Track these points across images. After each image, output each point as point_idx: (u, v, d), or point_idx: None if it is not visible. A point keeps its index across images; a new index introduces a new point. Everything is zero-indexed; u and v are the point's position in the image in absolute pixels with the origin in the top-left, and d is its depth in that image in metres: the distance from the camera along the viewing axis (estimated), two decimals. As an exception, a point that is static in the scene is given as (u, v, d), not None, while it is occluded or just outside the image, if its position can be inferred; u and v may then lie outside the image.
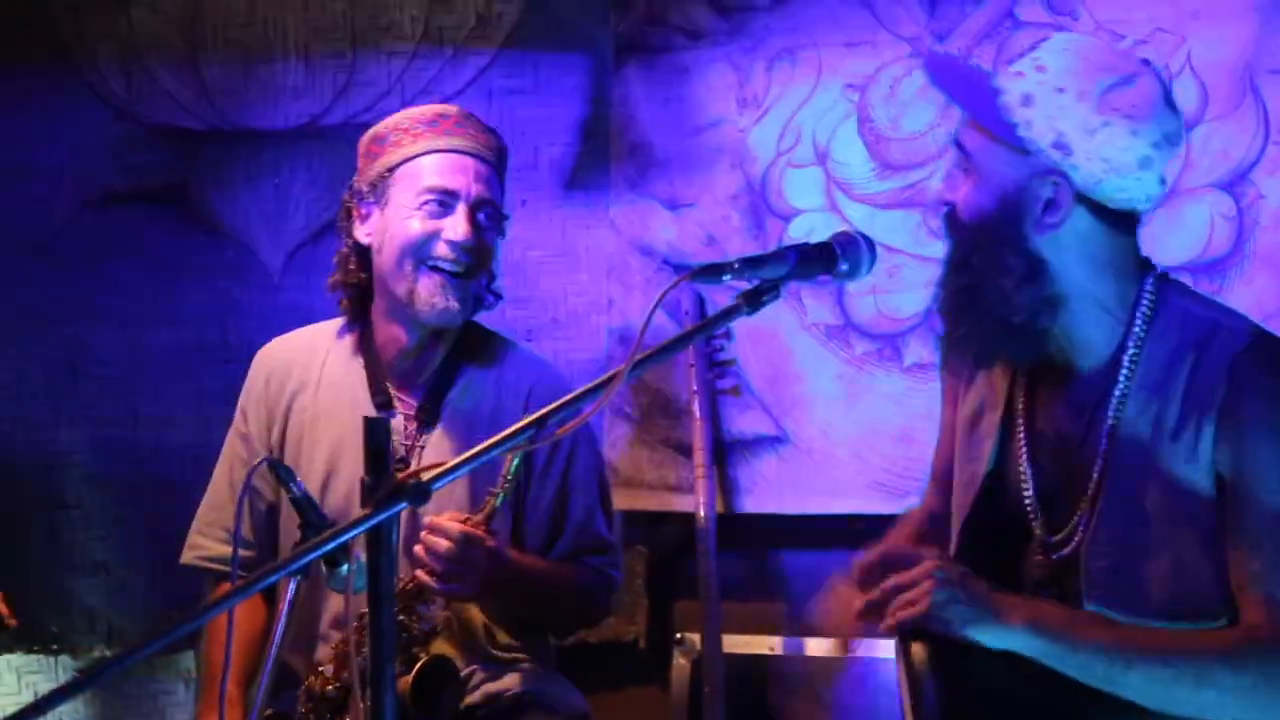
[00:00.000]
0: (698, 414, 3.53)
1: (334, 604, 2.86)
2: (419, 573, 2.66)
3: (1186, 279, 3.29)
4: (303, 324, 3.11)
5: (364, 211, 2.88)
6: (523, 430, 1.95)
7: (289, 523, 2.89)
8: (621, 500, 3.65)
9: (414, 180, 2.83)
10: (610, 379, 1.94)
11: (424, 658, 2.71)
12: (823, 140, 3.56)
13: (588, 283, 3.69)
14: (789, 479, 3.58)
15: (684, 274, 2.01)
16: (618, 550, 3.02)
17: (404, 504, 1.87)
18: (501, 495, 2.68)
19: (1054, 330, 2.22)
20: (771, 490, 3.59)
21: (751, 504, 3.62)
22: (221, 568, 2.98)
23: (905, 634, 2.25)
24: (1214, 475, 2.15)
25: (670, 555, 3.71)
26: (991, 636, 2.15)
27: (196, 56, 3.82)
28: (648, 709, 3.66)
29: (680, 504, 3.61)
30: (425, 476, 1.88)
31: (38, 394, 3.88)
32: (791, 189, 3.57)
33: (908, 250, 3.50)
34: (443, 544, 2.63)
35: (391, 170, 2.85)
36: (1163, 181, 2.22)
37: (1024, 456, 2.30)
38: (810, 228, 3.53)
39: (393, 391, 2.89)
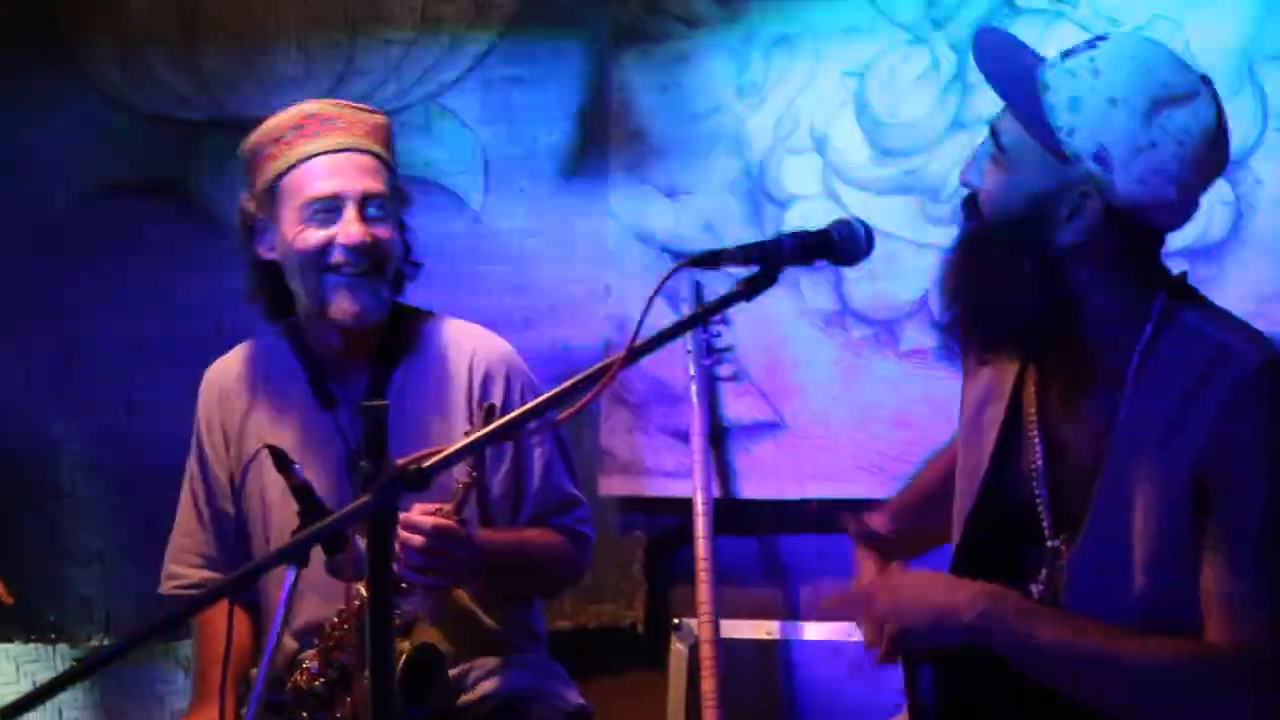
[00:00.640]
0: (695, 400, 3.54)
1: (309, 608, 2.84)
2: (396, 568, 2.64)
3: (1184, 264, 3.33)
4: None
5: (260, 228, 2.85)
6: (522, 418, 1.96)
7: (259, 543, 2.90)
8: (619, 486, 3.67)
9: (295, 193, 2.78)
10: (609, 365, 1.94)
11: (408, 648, 2.71)
12: (820, 127, 3.56)
13: (586, 270, 3.69)
14: (786, 464, 3.59)
15: (683, 261, 2.00)
16: (585, 504, 2.98)
17: (404, 490, 1.87)
18: (470, 483, 2.67)
19: (1065, 334, 2.19)
20: (769, 475, 3.61)
21: (749, 489, 3.63)
22: (207, 578, 2.99)
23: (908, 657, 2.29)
24: (1199, 497, 2.12)
25: (668, 540, 3.72)
26: (952, 637, 2.16)
27: (194, 47, 3.81)
28: (646, 694, 3.67)
29: (678, 489, 3.61)
30: (425, 464, 1.88)
31: (34, 383, 3.88)
32: (789, 176, 3.58)
33: (905, 236, 3.51)
34: (417, 539, 2.61)
35: (273, 185, 2.81)
36: (1198, 206, 2.17)
37: (1038, 453, 2.27)
38: (808, 214, 3.54)
39: (335, 390, 2.88)
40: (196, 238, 3.83)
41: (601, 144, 3.67)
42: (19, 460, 3.88)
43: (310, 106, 2.84)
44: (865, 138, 3.54)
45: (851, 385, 3.57)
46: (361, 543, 1.95)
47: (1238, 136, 3.29)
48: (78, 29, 3.84)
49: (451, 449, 1.90)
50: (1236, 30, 3.34)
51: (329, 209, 2.77)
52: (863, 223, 2.10)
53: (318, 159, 2.78)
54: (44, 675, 3.95)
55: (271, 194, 2.81)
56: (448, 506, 2.65)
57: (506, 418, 1.96)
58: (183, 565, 3.00)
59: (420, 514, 2.62)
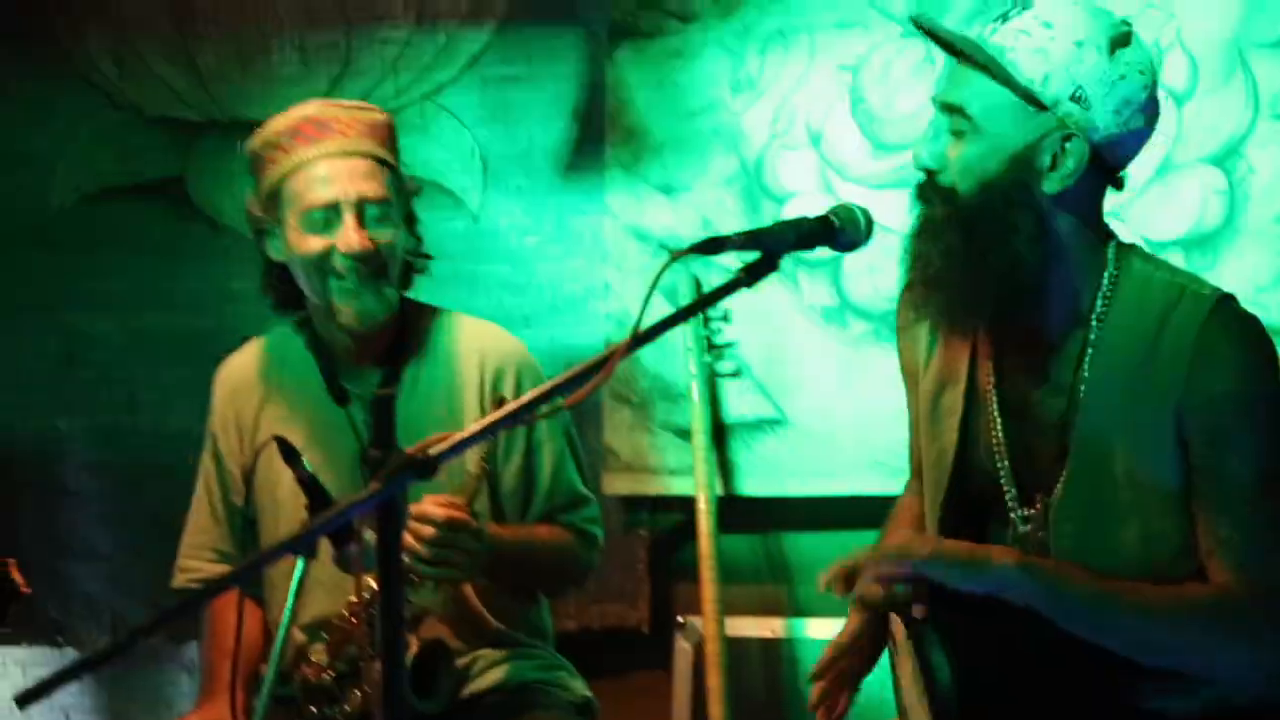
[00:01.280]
0: (697, 397, 3.55)
1: (315, 603, 2.85)
2: (405, 559, 2.65)
3: (1178, 255, 3.35)
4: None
5: (267, 231, 2.87)
6: (528, 405, 1.96)
7: (269, 537, 2.91)
8: (622, 485, 3.67)
9: (294, 201, 2.79)
10: (612, 353, 1.95)
11: (417, 643, 2.72)
12: (816, 122, 3.58)
13: (584, 268, 3.70)
14: (789, 460, 3.60)
15: (685, 248, 2.00)
16: (594, 503, 2.99)
17: (412, 478, 1.88)
18: (480, 475, 2.68)
19: (1047, 291, 2.22)
20: (772, 472, 3.61)
21: (752, 486, 3.63)
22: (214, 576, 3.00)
23: (899, 614, 2.30)
24: (1180, 443, 2.16)
25: (672, 539, 3.73)
26: (985, 582, 2.15)
27: (190, 45, 3.83)
28: (651, 694, 3.67)
29: (681, 487, 3.62)
30: (433, 451, 1.89)
31: (36, 382, 3.90)
32: (786, 171, 3.59)
33: (902, 230, 3.50)
34: (428, 531, 2.62)
35: (275, 192, 2.82)
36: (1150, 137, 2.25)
37: (998, 428, 2.30)
38: (805, 209, 3.51)
39: (348, 387, 2.89)
40: (195, 235, 3.85)
41: (598, 141, 3.68)
42: (22, 458, 3.90)
43: (308, 109, 2.85)
44: (861, 132, 3.55)
45: (852, 380, 3.57)
46: (370, 535, 1.96)
47: (1230, 125, 3.38)
48: (74, 28, 3.85)
49: (459, 436, 1.90)
50: (1227, 20, 3.36)
51: (328, 215, 2.78)
52: (862, 208, 2.12)
53: (315, 165, 2.78)
54: (49, 678, 3.95)
55: (274, 199, 2.82)
56: (459, 499, 2.66)
57: (512, 404, 1.96)
58: (196, 559, 3.01)
59: (432, 506, 2.63)
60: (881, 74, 3.53)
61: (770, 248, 2.03)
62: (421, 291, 2.99)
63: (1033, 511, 2.27)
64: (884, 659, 2.48)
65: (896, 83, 3.52)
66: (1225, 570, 2.15)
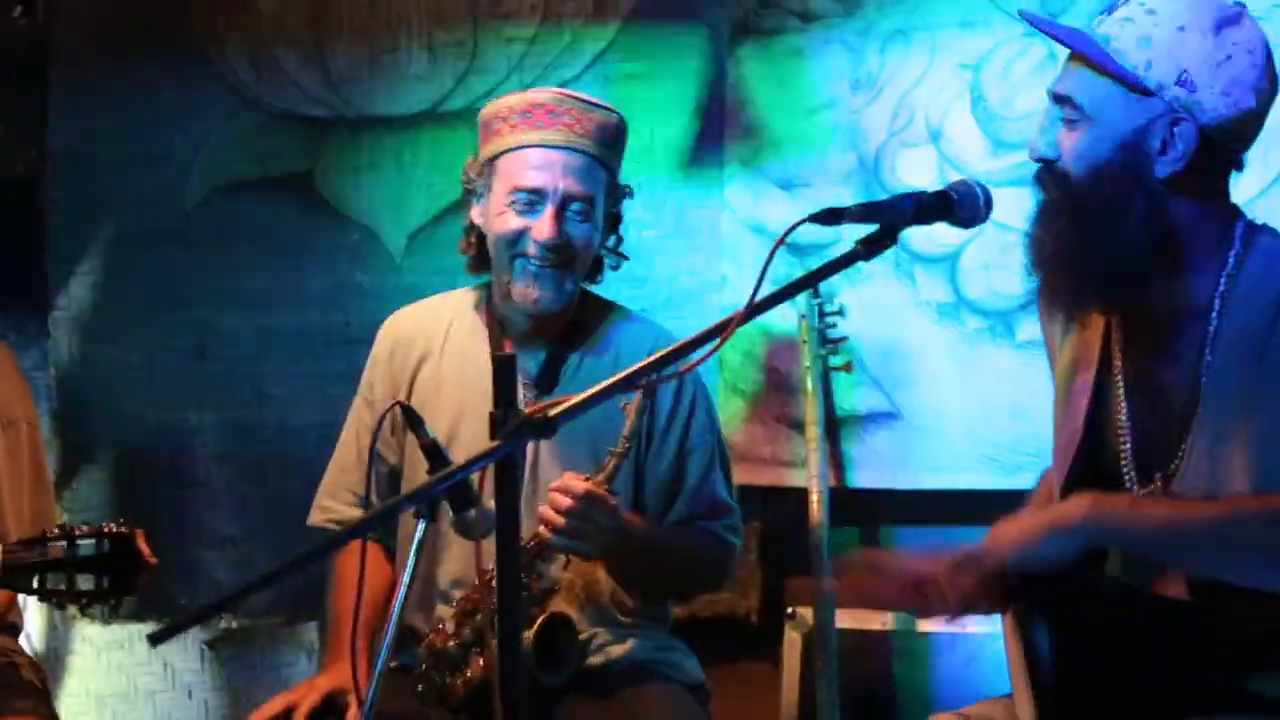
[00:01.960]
0: (810, 390, 3.57)
1: (452, 564, 2.92)
2: (542, 529, 2.72)
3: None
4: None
5: (476, 192, 2.97)
6: (646, 370, 2.01)
7: (411, 487, 2.96)
8: (736, 476, 3.68)
9: (506, 177, 2.89)
10: (730, 320, 1.99)
11: (543, 615, 2.77)
12: (935, 119, 3.60)
13: (702, 262, 3.75)
14: (901, 454, 3.61)
15: (805, 217, 2.04)
16: (737, 513, 3.04)
17: (530, 437, 1.93)
18: (621, 455, 2.74)
19: (1161, 274, 2.24)
20: (884, 465, 3.63)
21: (864, 479, 3.65)
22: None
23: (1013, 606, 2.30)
24: None
25: (783, 530, 3.75)
26: (1062, 541, 2.17)
27: (322, 46, 3.93)
28: (760, 684, 3.69)
29: (793, 479, 3.65)
30: (552, 413, 1.94)
31: (168, 376, 4.00)
32: (905, 168, 3.61)
33: (1020, 227, 3.50)
34: (566, 501, 2.69)
35: (491, 161, 2.92)
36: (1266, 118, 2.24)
37: (1123, 411, 2.31)
38: (923, 207, 3.56)
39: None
40: (323, 232, 3.94)
41: (718, 137, 3.73)
42: (154, 449, 4.00)
43: (542, 95, 2.95)
44: (980, 130, 3.57)
45: (967, 376, 3.58)
46: (491, 503, 2.01)
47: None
48: (210, 30, 3.97)
49: (577, 399, 1.95)
50: None
51: (531, 200, 2.87)
52: (981, 185, 2.14)
53: (533, 150, 2.88)
54: (175, 658, 4.06)
55: (489, 167, 2.93)
56: (599, 476, 2.72)
57: (631, 369, 2.01)
58: (335, 500, 3.08)
59: (572, 479, 2.70)
60: (1002, 72, 3.54)
61: (888, 220, 2.05)
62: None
63: (1153, 488, 2.27)
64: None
65: (1017, 81, 3.53)
66: None
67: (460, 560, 2.90)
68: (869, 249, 2.06)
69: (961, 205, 2.12)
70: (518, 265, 2.89)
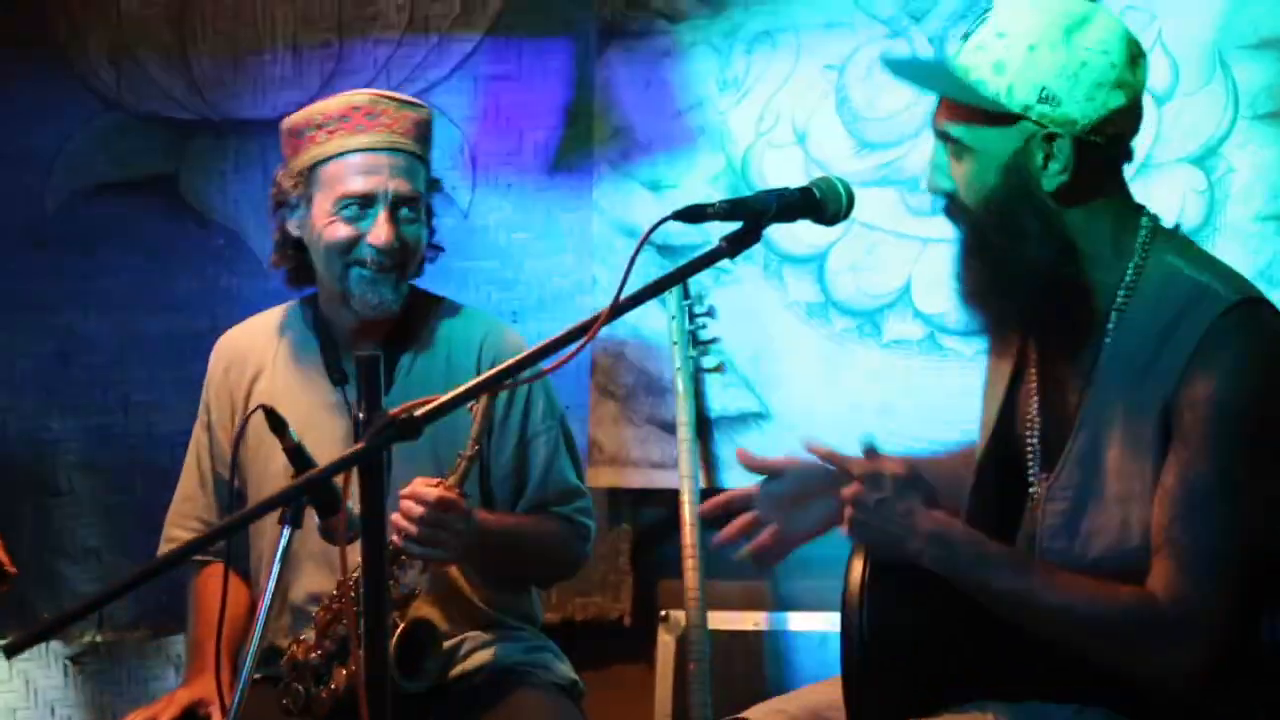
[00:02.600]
0: (681, 391, 3.58)
1: (308, 579, 2.90)
2: (395, 539, 2.68)
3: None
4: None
5: (291, 204, 2.92)
6: (508, 371, 1.99)
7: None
8: (606, 478, 3.70)
9: (331, 186, 2.86)
10: (596, 319, 1.99)
11: (404, 622, 2.75)
12: (801, 121, 3.63)
13: (573, 264, 3.74)
14: (772, 454, 3.61)
15: (668, 215, 2.03)
16: (587, 496, 3.04)
17: (395, 438, 1.91)
18: (470, 458, 2.72)
19: (1069, 280, 2.25)
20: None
21: (735, 479, 3.65)
22: (201, 558, 3.04)
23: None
24: (1166, 439, 2.18)
25: (655, 533, 3.76)
26: (906, 558, 2.23)
27: (186, 48, 3.87)
28: (634, 686, 3.70)
29: (665, 481, 3.66)
30: (418, 413, 1.92)
31: (29, 381, 3.91)
32: (771, 169, 3.63)
33: (885, 227, 3.57)
34: (418, 510, 2.66)
35: (310, 169, 2.88)
36: (1143, 110, 2.27)
37: (1034, 404, 2.35)
38: (790, 207, 3.59)
39: (347, 367, 2.93)
40: (188, 235, 3.88)
41: (587, 140, 3.73)
42: (14, 458, 3.91)
43: (357, 98, 2.92)
44: (846, 131, 3.60)
45: (835, 376, 3.62)
46: (355, 507, 1.98)
47: (1210, 125, 3.42)
48: (70, 29, 3.89)
49: (443, 398, 1.94)
50: (1207, 20, 3.41)
51: (361, 206, 2.84)
52: (844, 181, 2.15)
53: (357, 155, 2.85)
54: (38, 674, 3.96)
55: (307, 177, 2.88)
56: (449, 480, 2.70)
57: (497, 368, 2.00)
58: (182, 529, 3.04)
59: (423, 486, 2.67)
60: (866, 73, 3.58)
61: (751, 217, 2.06)
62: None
63: (1046, 479, 2.31)
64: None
65: (880, 82, 3.56)
66: (1167, 569, 2.15)
67: (316, 576, 2.88)
68: (733, 246, 2.07)
69: (825, 202, 2.13)
70: (354, 273, 2.86)
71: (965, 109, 2.24)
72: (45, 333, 3.90)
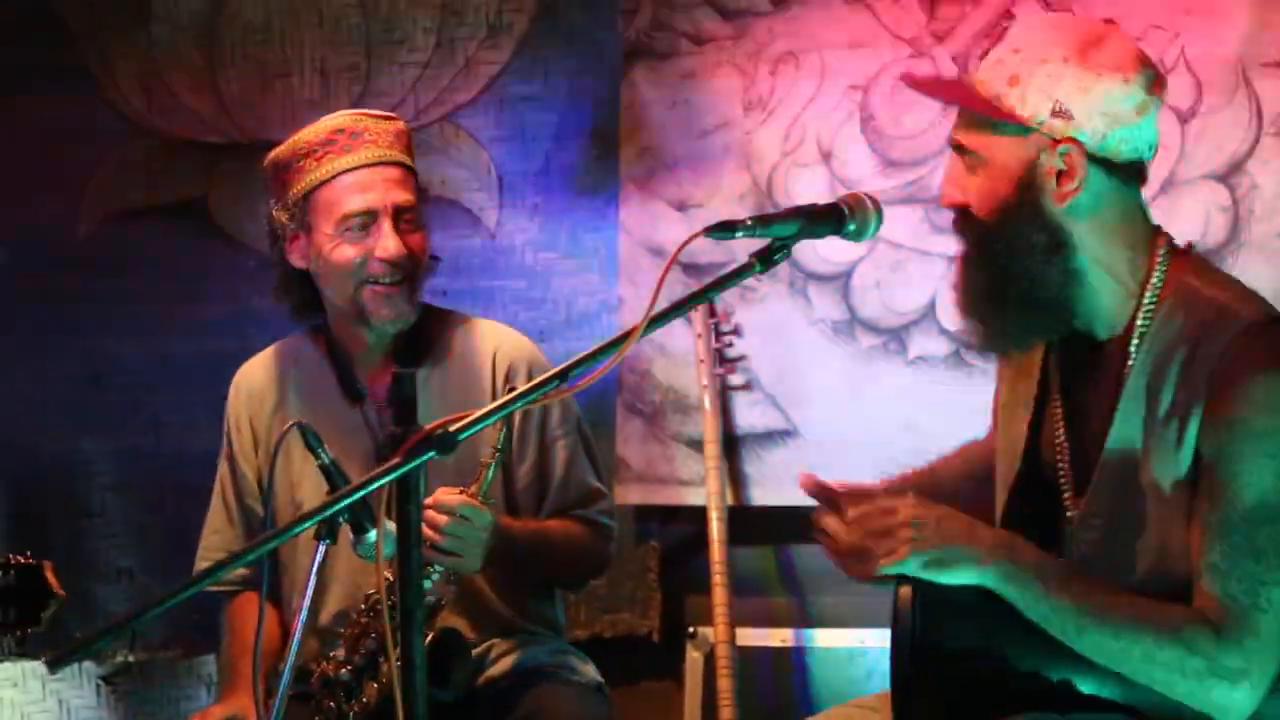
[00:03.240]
0: (708, 408, 3.60)
1: (335, 601, 2.92)
2: (421, 548, 2.70)
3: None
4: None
5: (290, 236, 2.93)
6: (546, 382, 2.02)
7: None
8: (634, 495, 3.72)
9: (330, 208, 2.87)
10: (627, 334, 2.01)
11: (431, 632, 2.77)
12: (826, 140, 3.65)
13: (599, 283, 3.78)
14: (797, 471, 3.64)
15: (699, 230, 2.05)
16: (608, 497, 3.06)
17: (431, 454, 1.93)
18: (494, 466, 2.74)
19: (1077, 303, 2.26)
20: (781, 483, 3.66)
21: (762, 496, 3.68)
22: (233, 587, 3.06)
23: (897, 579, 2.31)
24: (1199, 463, 2.17)
25: (683, 550, 3.77)
26: (966, 577, 2.20)
27: (215, 72, 3.92)
28: (662, 702, 3.71)
29: (692, 498, 3.68)
30: (453, 427, 1.94)
31: (61, 404, 3.95)
32: (797, 188, 3.65)
33: (910, 245, 3.59)
34: (443, 518, 2.69)
35: (305, 198, 2.90)
36: (1155, 128, 2.27)
37: (1061, 428, 2.34)
38: (815, 227, 3.61)
39: (364, 385, 2.96)
40: (218, 257, 3.93)
41: (613, 160, 3.77)
42: (47, 479, 3.95)
43: (337, 120, 2.94)
44: (870, 150, 3.63)
45: (861, 393, 3.64)
46: (391, 525, 2.00)
47: (1233, 142, 3.44)
48: (100, 55, 3.94)
49: (477, 414, 1.96)
50: (1230, 38, 3.43)
51: (363, 223, 2.86)
52: (872, 198, 2.17)
53: (350, 174, 2.87)
54: (70, 694, 3.98)
55: (303, 206, 2.90)
56: (473, 489, 2.72)
57: (530, 383, 2.02)
58: (211, 561, 3.05)
59: (446, 494, 2.69)
60: (890, 93, 3.61)
61: (780, 233, 2.08)
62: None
63: (1075, 514, 2.31)
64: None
65: (905, 102, 3.59)
66: (1210, 595, 2.15)
67: (344, 596, 2.90)
68: (763, 261, 2.09)
69: (853, 217, 2.15)
70: (366, 291, 2.88)
71: (980, 121, 2.26)
72: (78, 355, 3.95)
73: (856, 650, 3.62)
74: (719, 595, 3.49)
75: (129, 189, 3.95)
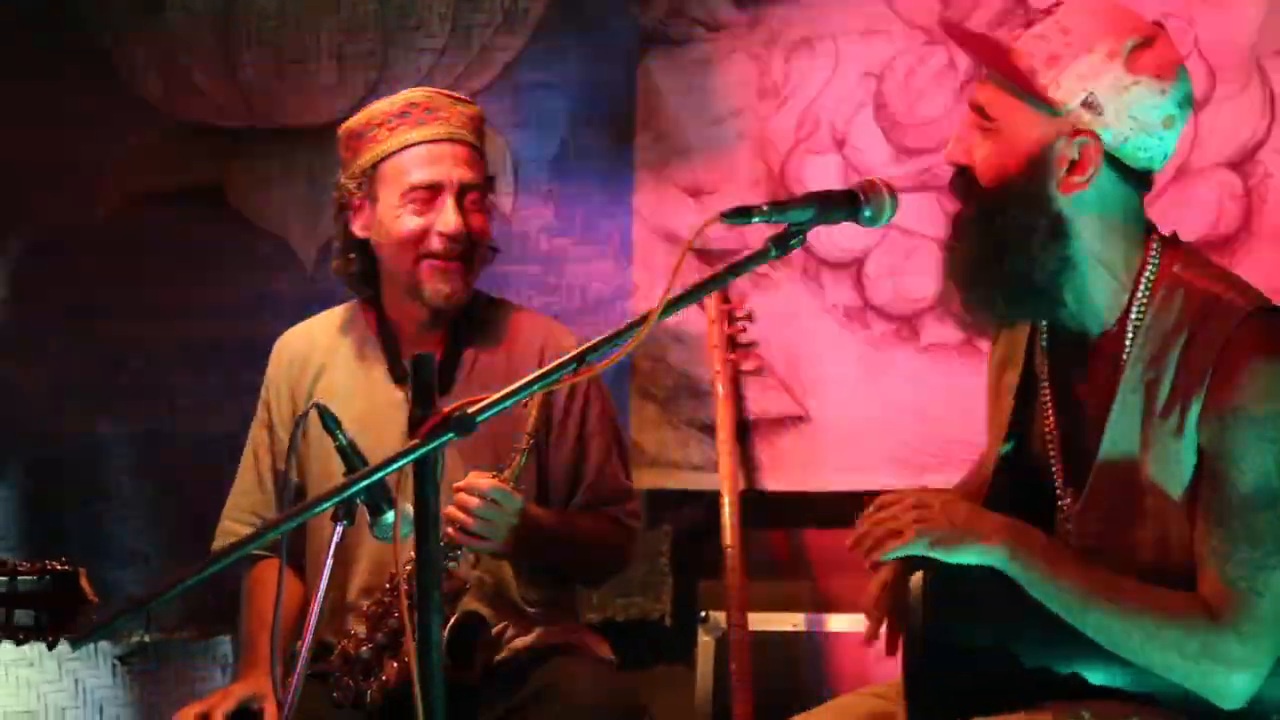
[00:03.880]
0: (721, 394, 3.62)
1: (360, 575, 2.94)
2: (449, 530, 2.73)
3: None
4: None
5: (356, 205, 2.97)
6: (562, 366, 2.03)
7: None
8: (647, 479, 3.74)
9: (397, 178, 2.91)
10: (645, 316, 2.02)
11: (454, 615, 2.79)
12: (840, 127, 3.66)
13: (613, 270, 3.79)
14: (810, 456, 3.67)
15: (715, 215, 2.06)
16: (636, 497, 3.10)
17: (450, 435, 1.95)
18: (526, 452, 2.77)
19: (1067, 292, 2.26)
20: (794, 468, 3.68)
21: (774, 481, 3.70)
22: (257, 551, 3.06)
23: (907, 567, 2.33)
24: (1199, 452, 2.18)
25: (695, 534, 3.79)
26: (973, 556, 2.20)
27: (230, 57, 3.94)
28: (673, 686, 3.72)
29: (705, 483, 3.70)
30: (472, 409, 1.96)
31: (80, 388, 3.98)
32: (811, 175, 3.67)
33: (924, 233, 3.60)
34: (473, 501, 2.71)
35: (374, 167, 2.94)
36: (1175, 144, 2.25)
37: (1051, 418, 2.34)
38: (829, 214, 3.63)
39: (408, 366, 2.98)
40: (236, 242, 3.95)
41: (627, 146, 3.78)
42: (65, 461, 3.97)
43: (414, 94, 2.99)
44: (884, 137, 3.64)
45: (873, 379, 3.65)
46: (408, 507, 2.02)
47: (1246, 130, 3.44)
48: (117, 40, 3.96)
49: (496, 395, 1.98)
50: (1244, 26, 3.43)
51: (428, 197, 2.90)
52: (888, 184, 2.17)
53: (420, 147, 2.92)
54: (86, 674, 4.01)
55: (371, 175, 2.93)
56: (504, 474, 2.75)
57: (548, 366, 2.03)
58: (237, 523, 3.09)
59: (476, 477, 2.72)
60: (904, 80, 3.62)
61: (797, 218, 2.09)
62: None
63: (1069, 504, 2.31)
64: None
65: (918, 89, 3.60)
66: (1210, 581, 2.16)
67: (368, 571, 2.93)
68: (779, 246, 2.09)
69: (868, 202, 2.15)
70: (424, 265, 2.91)
71: (1008, 89, 2.23)
72: (95, 338, 3.97)
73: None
74: (731, 579, 3.50)
75: (147, 174, 3.97)
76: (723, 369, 3.63)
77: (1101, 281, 2.26)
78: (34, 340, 3.98)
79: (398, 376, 2.97)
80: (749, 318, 3.67)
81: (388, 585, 2.84)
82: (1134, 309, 2.24)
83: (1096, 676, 2.25)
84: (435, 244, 2.90)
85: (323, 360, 3.05)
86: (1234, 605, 2.15)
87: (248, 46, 3.94)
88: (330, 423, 2.44)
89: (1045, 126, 2.21)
